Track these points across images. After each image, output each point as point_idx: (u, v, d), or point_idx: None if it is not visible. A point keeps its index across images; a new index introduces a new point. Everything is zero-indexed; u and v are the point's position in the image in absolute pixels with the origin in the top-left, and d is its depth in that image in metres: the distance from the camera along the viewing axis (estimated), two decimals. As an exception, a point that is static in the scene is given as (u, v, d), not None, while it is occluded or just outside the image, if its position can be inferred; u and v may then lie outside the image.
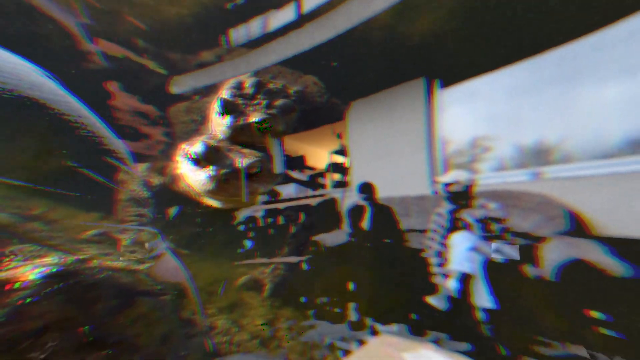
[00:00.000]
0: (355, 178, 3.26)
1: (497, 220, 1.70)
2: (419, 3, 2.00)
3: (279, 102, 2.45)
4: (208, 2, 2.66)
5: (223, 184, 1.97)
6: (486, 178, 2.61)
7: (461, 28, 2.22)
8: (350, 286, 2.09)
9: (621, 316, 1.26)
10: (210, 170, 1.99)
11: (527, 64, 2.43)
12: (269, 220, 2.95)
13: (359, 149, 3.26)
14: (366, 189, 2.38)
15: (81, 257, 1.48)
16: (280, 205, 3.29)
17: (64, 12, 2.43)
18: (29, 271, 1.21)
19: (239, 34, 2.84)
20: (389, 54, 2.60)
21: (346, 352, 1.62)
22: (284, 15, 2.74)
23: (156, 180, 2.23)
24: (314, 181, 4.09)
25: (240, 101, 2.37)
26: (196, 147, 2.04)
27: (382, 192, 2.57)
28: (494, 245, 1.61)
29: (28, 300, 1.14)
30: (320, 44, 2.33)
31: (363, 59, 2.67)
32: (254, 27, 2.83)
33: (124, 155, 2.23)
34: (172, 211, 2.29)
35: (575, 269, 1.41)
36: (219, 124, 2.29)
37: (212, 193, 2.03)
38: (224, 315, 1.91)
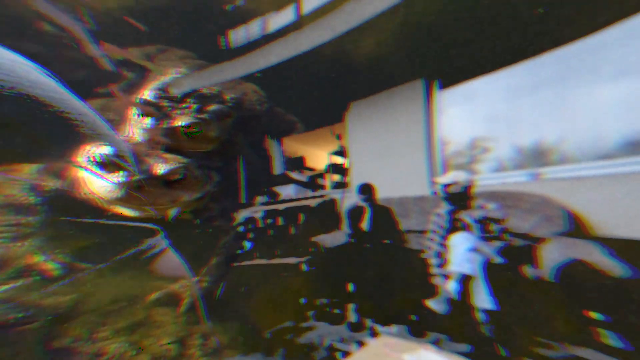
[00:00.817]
0: (355, 179, 3.26)
1: (496, 221, 1.70)
2: (417, 6, 2.01)
3: (212, 107, 2.31)
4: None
5: (135, 191, 1.77)
6: (485, 179, 2.62)
7: (460, 29, 2.23)
8: (350, 287, 2.09)
9: (620, 317, 1.26)
10: (119, 176, 1.77)
11: (525, 65, 2.44)
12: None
13: (359, 150, 3.27)
14: (366, 189, 2.37)
15: None
16: (280, 207, 3.29)
17: (70, 17, 2.31)
18: None
19: (238, 35, 2.84)
20: (387, 56, 2.60)
21: (345, 354, 1.61)
22: (284, 17, 2.75)
23: (51, 183, 1.89)
24: (313, 182, 4.09)
25: (165, 103, 2.21)
26: (103, 149, 1.81)
27: (382, 193, 2.57)
28: (486, 246, 1.61)
29: None
30: (320, 45, 2.33)
31: (362, 60, 2.67)
32: (253, 29, 2.83)
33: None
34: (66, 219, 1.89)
35: (574, 269, 1.41)
36: (137, 126, 2.09)
37: (121, 201, 1.80)
38: (121, 338, 1.65)
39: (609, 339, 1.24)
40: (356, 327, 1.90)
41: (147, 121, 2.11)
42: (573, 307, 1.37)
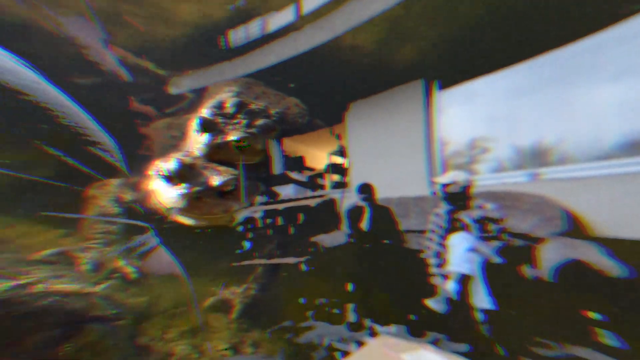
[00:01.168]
0: (354, 179, 3.26)
1: (495, 221, 1.71)
2: (417, 8, 2.01)
3: (259, 121, 2.48)
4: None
5: (195, 202, 1.93)
6: (484, 179, 2.62)
7: (460, 29, 2.23)
8: (349, 287, 2.09)
9: (618, 317, 1.26)
10: (182, 188, 1.95)
11: (525, 65, 2.44)
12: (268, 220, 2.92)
13: (358, 150, 3.27)
14: (365, 189, 2.38)
15: (22, 282, 1.35)
16: (280, 207, 3.29)
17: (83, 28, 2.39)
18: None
19: (238, 35, 2.84)
20: (387, 56, 2.61)
21: (345, 354, 1.61)
22: (283, 17, 2.75)
23: (129, 196, 2.14)
24: (313, 182, 4.09)
25: (220, 120, 2.39)
26: (169, 163, 2.01)
27: (381, 193, 2.57)
28: (485, 246, 1.61)
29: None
30: (320, 45, 2.34)
31: (362, 61, 2.68)
32: (253, 29, 2.84)
33: (110, 148, 2.18)
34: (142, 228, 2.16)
35: (573, 270, 1.41)
36: (197, 142, 2.29)
37: (183, 211, 1.96)
38: (185, 340, 1.79)
39: (607, 338, 1.25)
40: (355, 327, 1.90)
41: (204, 137, 2.27)
42: (571, 307, 1.38)
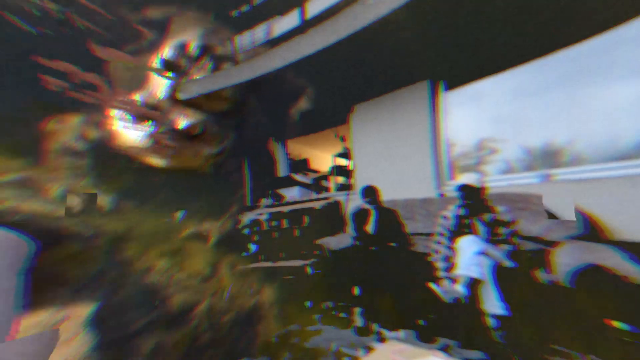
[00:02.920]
0: (359, 181, 3.24)
1: (506, 224, 1.65)
2: (422, 8, 2.00)
3: (226, 66, 2.42)
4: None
5: (160, 142, 2.00)
6: (494, 180, 2.56)
7: (466, 29, 2.21)
8: (356, 290, 2.06)
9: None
10: (147, 127, 2.00)
11: (533, 65, 2.40)
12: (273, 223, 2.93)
13: (363, 152, 3.25)
14: (370, 192, 2.35)
15: None
16: (284, 209, 3.29)
17: None
18: None
19: (244, 40, 2.89)
20: (392, 58, 2.60)
21: (353, 359, 1.58)
22: (288, 21, 2.78)
23: (92, 134, 2.21)
24: (318, 184, 4.08)
25: (183, 62, 2.37)
26: (133, 102, 2.01)
27: (387, 195, 2.54)
28: (495, 249, 1.56)
29: None
30: (324, 48, 2.35)
31: (366, 63, 2.68)
32: (258, 33, 2.87)
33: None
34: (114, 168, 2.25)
35: (592, 275, 1.35)
36: (159, 83, 2.28)
37: (149, 151, 2.05)
38: (165, 259, 1.92)
39: (637, 351, 1.17)
40: (363, 332, 1.87)
41: (168, 78, 2.27)
42: (594, 315, 1.31)
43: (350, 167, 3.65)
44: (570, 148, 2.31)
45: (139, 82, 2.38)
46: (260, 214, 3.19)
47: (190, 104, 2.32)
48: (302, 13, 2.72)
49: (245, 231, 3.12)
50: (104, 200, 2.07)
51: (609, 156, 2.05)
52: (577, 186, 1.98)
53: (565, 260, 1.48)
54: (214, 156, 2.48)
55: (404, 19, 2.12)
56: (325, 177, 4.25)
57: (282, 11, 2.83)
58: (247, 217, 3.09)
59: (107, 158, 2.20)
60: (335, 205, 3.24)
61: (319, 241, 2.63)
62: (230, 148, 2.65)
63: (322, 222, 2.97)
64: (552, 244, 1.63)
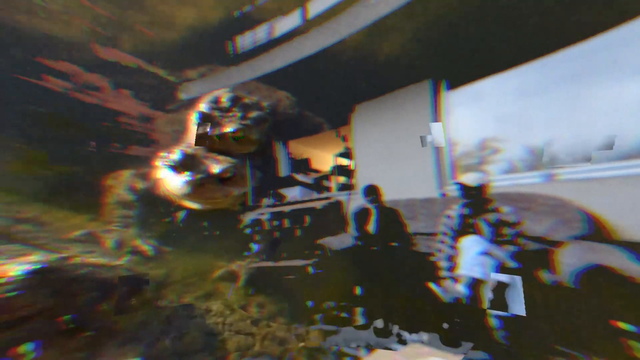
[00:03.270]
0: (361, 181, 3.23)
1: (510, 223, 1.64)
2: (424, 7, 2.00)
3: (253, 114, 2.73)
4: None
5: (198, 188, 2.23)
6: (496, 180, 2.54)
7: (468, 28, 2.20)
8: (357, 290, 2.05)
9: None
10: (186, 176, 2.24)
11: (536, 64, 2.38)
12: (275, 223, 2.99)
13: (365, 152, 3.24)
14: (371, 191, 2.35)
15: (65, 254, 1.68)
16: (286, 209, 3.29)
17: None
18: (13, 268, 1.37)
19: (245, 40, 2.90)
20: (393, 57, 2.59)
21: (354, 359, 1.57)
22: (290, 22, 2.79)
23: (140, 185, 2.50)
24: (319, 184, 4.08)
25: (216, 113, 2.65)
26: (174, 155, 2.33)
27: (388, 195, 2.53)
28: (499, 249, 1.55)
29: (12, 293, 1.29)
30: (325, 48, 2.35)
31: (368, 62, 2.68)
32: (260, 34, 2.88)
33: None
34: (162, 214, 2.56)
35: (596, 275, 1.33)
36: (197, 134, 2.58)
37: (188, 196, 2.29)
38: (200, 303, 2.10)
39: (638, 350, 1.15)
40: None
41: (203, 129, 2.58)
42: (598, 316, 1.29)
43: (352, 167, 3.65)
44: (574, 147, 2.29)
45: (180, 135, 2.74)
46: (262, 214, 3.20)
47: (222, 150, 2.62)
48: (304, 13, 2.73)
49: (247, 231, 3.12)
50: (145, 247, 2.31)
51: (613, 156, 2.03)
52: (581, 186, 1.96)
53: (570, 260, 1.47)
54: (243, 195, 2.77)
55: (406, 19, 2.11)
56: (326, 176, 4.25)
57: (284, 11, 2.84)
58: (248, 217, 3.09)
59: (151, 207, 2.49)
60: (337, 205, 3.24)
61: (320, 241, 2.62)
62: (257, 187, 2.96)
63: (323, 221, 2.96)
64: (556, 244, 1.62)
